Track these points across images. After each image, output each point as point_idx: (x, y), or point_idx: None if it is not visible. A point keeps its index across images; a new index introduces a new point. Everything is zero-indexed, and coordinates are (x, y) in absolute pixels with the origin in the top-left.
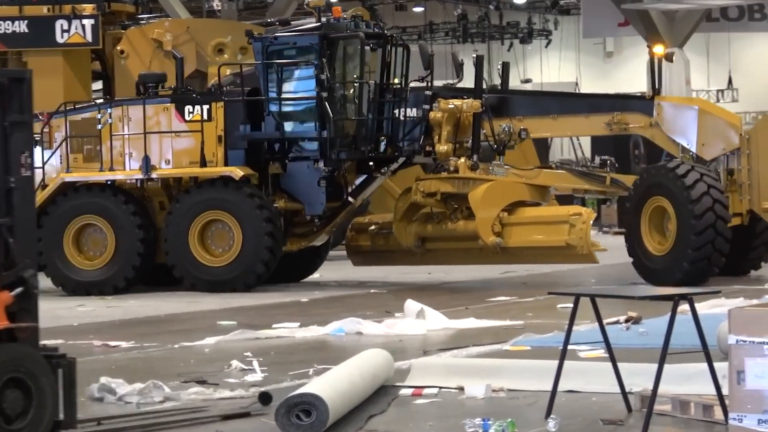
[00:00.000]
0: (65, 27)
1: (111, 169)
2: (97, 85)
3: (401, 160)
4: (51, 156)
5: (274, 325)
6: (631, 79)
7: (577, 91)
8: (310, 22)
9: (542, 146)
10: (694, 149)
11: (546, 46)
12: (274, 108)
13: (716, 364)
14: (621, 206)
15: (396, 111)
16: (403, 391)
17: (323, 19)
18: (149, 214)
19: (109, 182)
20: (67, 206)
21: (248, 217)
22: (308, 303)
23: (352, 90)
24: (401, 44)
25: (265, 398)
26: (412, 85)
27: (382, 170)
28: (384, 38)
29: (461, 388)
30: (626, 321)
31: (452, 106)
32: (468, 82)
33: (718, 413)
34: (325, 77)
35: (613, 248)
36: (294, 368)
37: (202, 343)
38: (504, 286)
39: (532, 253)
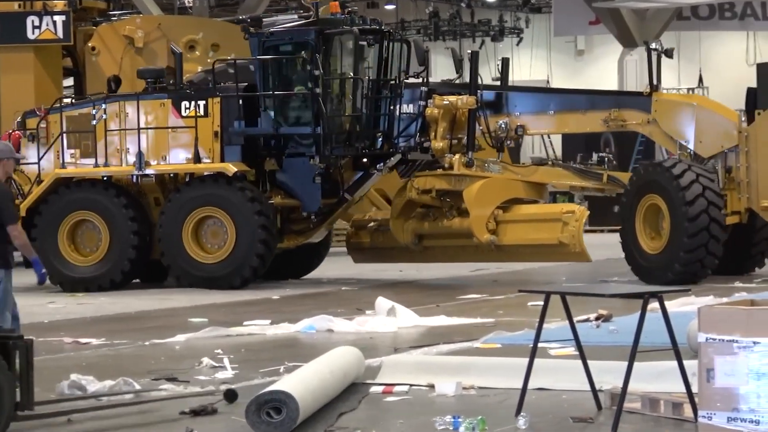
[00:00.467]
0: (36, 23)
1: (106, 165)
2: (68, 81)
3: (397, 156)
4: (46, 151)
5: (245, 323)
6: (602, 77)
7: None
8: (289, 19)
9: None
10: (691, 146)
11: (517, 44)
12: (269, 104)
13: (686, 362)
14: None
15: (391, 107)
16: (374, 389)
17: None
18: (144, 208)
19: (104, 178)
20: (62, 202)
21: (241, 212)
22: (279, 300)
23: (346, 86)
24: (399, 39)
25: (230, 396)
26: (409, 80)
27: (378, 166)
28: (381, 34)
29: (432, 386)
30: (597, 319)
31: (447, 102)
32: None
33: (687, 411)
34: (319, 73)
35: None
36: (265, 365)
37: (172, 340)
38: (475, 283)
39: (527, 251)
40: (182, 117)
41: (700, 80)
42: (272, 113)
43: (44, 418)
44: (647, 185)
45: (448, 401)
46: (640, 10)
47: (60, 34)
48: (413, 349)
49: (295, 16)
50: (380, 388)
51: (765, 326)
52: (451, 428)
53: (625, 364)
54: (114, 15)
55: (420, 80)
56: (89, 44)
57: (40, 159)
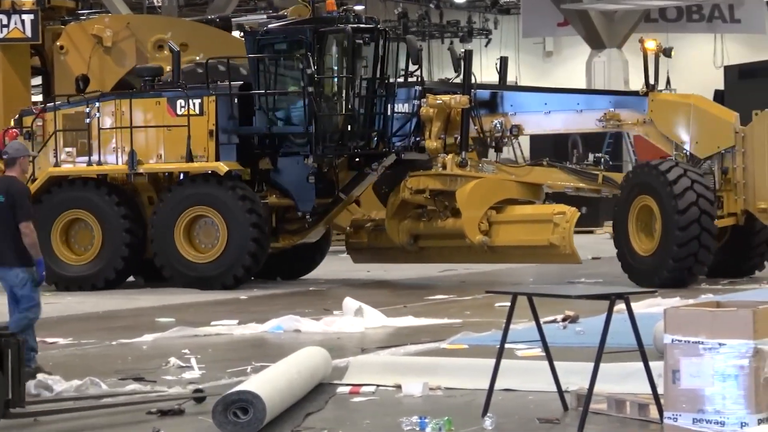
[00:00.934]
0: (4, 22)
1: (99, 163)
2: (37, 80)
3: (392, 156)
4: (40, 150)
5: (212, 323)
6: (570, 78)
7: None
8: (259, 19)
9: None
10: (688, 147)
11: (486, 45)
12: (262, 102)
13: (652, 364)
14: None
15: (387, 106)
16: (341, 389)
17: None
18: (137, 206)
19: (99, 176)
20: (55, 201)
21: (232, 210)
22: (247, 300)
23: (339, 85)
24: (395, 38)
25: (198, 397)
26: (400, 80)
27: (373, 166)
28: (376, 32)
29: (399, 386)
30: (563, 320)
31: (440, 101)
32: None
33: (653, 412)
34: (311, 72)
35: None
36: (232, 365)
37: (140, 340)
38: (443, 284)
39: (518, 253)
40: (178, 116)
41: (668, 82)
42: (266, 112)
43: (37, 416)
44: (640, 187)
45: (415, 402)
46: (608, 12)
47: (28, 33)
48: (380, 350)
49: (264, 17)
50: (347, 389)
51: (730, 328)
52: (417, 429)
53: (592, 365)
54: (83, 14)
55: (414, 79)
56: (58, 43)
57: (34, 157)
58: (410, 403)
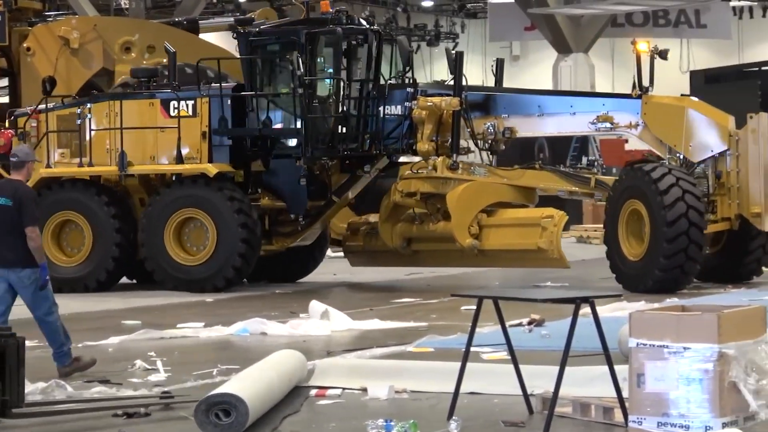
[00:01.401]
0: None
1: (91, 165)
2: (3, 82)
3: (384, 159)
4: (35, 149)
5: (178, 325)
6: (537, 82)
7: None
8: (223, 20)
9: None
10: (681, 150)
11: (453, 49)
12: (254, 103)
13: (617, 367)
14: None
15: (378, 108)
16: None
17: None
18: (128, 207)
19: (91, 178)
20: (45, 203)
21: (221, 212)
22: (213, 303)
23: (330, 86)
24: (388, 39)
25: (167, 401)
26: (392, 82)
27: (365, 168)
28: (369, 33)
29: (364, 389)
30: (529, 323)
31: (431, 103)
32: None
33: (618, 416)
34: (300, 73)
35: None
36: (198, 368)
37: (106, 342)
38: (409, 287)
39: (508, 257)
40: (171, 117)
41: (634, 87)
42: (257, 113)
43: (36, 417)
44: (630, 190)
45: (381, 405)
46: (575, 17)
47: None
48: (346, 353)
49: (232, 20)
50: (313, 391)
51: (695, 332)
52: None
53: (557, 368)
54: (50, 15)
55: (405, 81)
56: (24, 45)
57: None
58: (376, 406)
